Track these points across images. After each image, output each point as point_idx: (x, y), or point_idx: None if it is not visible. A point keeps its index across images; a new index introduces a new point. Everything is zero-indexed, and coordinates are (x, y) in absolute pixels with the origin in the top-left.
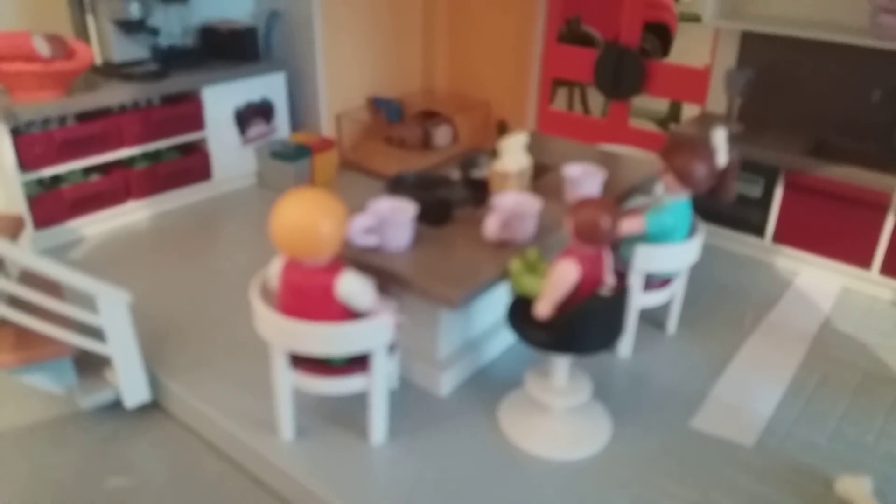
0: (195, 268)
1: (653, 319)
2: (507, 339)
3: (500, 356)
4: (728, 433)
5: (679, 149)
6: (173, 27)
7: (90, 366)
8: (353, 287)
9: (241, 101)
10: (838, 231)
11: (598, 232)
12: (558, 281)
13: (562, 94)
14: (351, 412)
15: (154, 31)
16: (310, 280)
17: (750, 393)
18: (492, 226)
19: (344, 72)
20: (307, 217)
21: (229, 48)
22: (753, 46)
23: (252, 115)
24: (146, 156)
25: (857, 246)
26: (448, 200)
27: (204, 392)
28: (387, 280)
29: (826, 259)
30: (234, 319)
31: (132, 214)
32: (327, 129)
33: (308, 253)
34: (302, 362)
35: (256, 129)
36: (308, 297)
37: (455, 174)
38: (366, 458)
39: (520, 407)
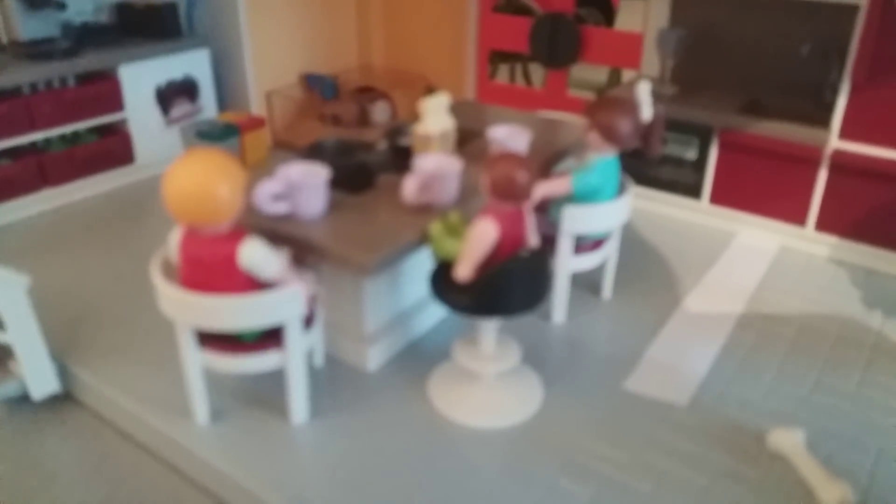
0: (115, 255)
1: (588, 284)
2: (439, 311)
3: (432, 329)
4: (662, 394)
5: (602, 105)
6: (85, 4)
7: None
8: (256, 255)
9: (163, 80)
10: (774, 189)
11: (514, 187)
12: (476, 241)
13: (504, 70)
14: (271, 392)
15: (61, 6)
16: (210, 250)
17: (685, 353)
18: (410, 188)
19: (273, 48)
20: (202, 181)
21: (148, 25)
22: (685, 6)
23: (175, 94)
24: (63, 139)
25: (792, 203)
26: (367, 165)
27: (116, 379)
28: (301, 249)
29: (763, 218)
30: (151, 305)
31: (48, 202)
32: (257, 107)
33: (205, 220)
34: (211, 340)
35: (180, 108)
36: (210, 268)
37: (382, 144)
38: (286, 438)
39: (450, 378)
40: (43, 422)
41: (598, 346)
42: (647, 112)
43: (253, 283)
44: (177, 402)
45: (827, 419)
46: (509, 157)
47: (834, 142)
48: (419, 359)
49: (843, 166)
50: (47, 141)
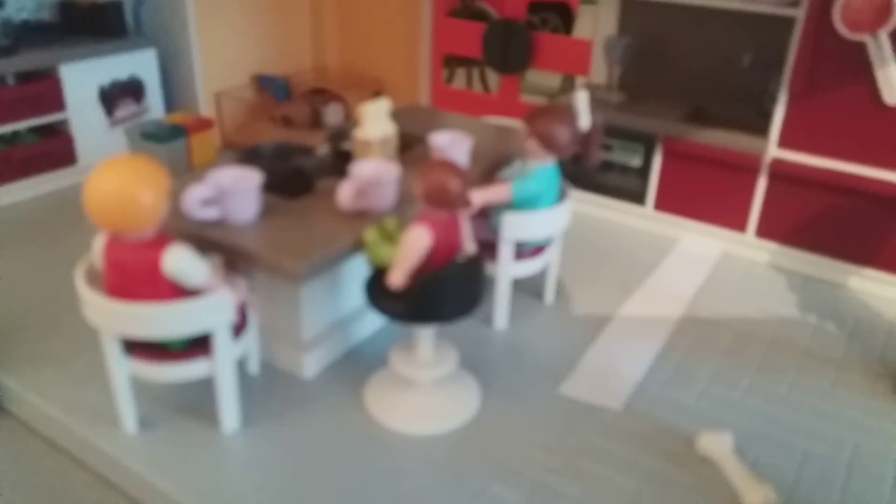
0: (50, 259)
1: (530, 290)
2: (378, 319)
3: (371, 337)
4: (596, 399)
5: (541, 113)
6: (25, 1)
7: None
8: (181, 262)
9: (106, 80)
10: (715, 196)
11: (447, 195)
12: (409, 247)
13: (461, 74)
14: (202, 400)
15: None
16: (133, 256)
17: (621, 358)
18: (345, 194)
19: (223, 47)
20: (124, 186)
21: (92, 23)
22: (632, 14)
23: (119, 94)
24: (1, 139)
25: (733, 210)
26: (304, 170)
27: (44, 388)
28: (232, 255)
29: (705, 224)
30: (78, 311)
31: None
32: (206, 108)
33: (128, 226)
34: (137, 348)
35: (125, 109)
36: (133, 275)
37: (324, 148)
38: (216, 447)
39: (386, 385)
40: None
41: (538, 351)
42: (585, 120)
43: (178, 291)
44: (106, 411)
45: (757, 423)
46: (442, 165)
47: (773, 150)
48: (357, 366)
49: (781, 174)
50: None
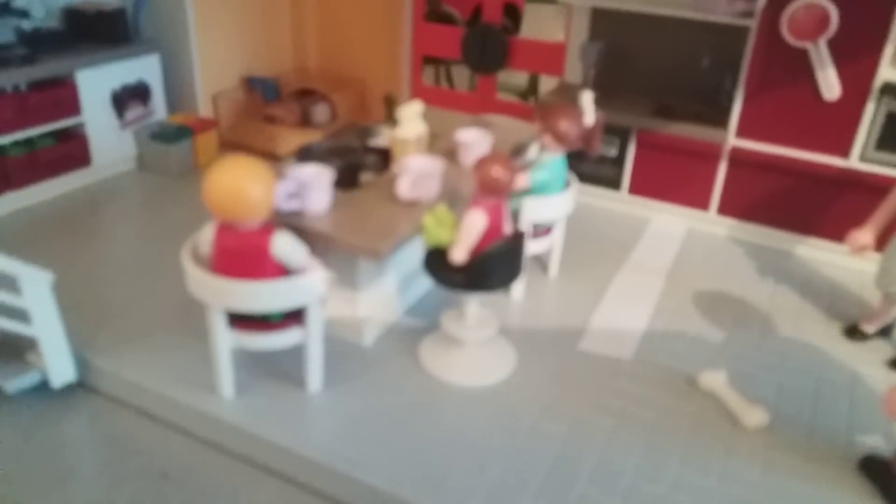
0: (88, 252)
1: (537, 265)
2: (417, 290)
3: (412, 307)
4: (610, 351)
5: (555, 112)
6: (36, 9)
7: (9, 350)
8: (287, 246)
9: (118, 84)
10: (682, 180)
11: (500, 184)
12: (471, 228)
13: (429, 71)
14: (282, 365)
15: (23, 14)
16: (245, 242)
17: (623, 318)
18: (403, 185)
19: (217, 51)
20: (239, 183)
21: (98, 30)
22: (603, 21)
23: (129, 97)
24: (20, 143)
25: (697, 192)
26: (357, 166)
27: (134, 363)
28: (311, 240)
29: (673, 205)
30: (143, 294)
31: (10, 205)
32: (204, 109)
33: (242, 217)
34: (239, 321)
35: (134, 111)
36: (244, 258)
37: (354, 142)
38: (306, 404)
39: (437, 345)
40: (60, 409)
41: (553, 316)
42: (590, 118)
43: (281, 270)
44: (197, 379)
45: (740, 363)
46: (494, 158)
47: (731, 140)
48: (406, 331)
49: (739, 160)
50: (5, 146)
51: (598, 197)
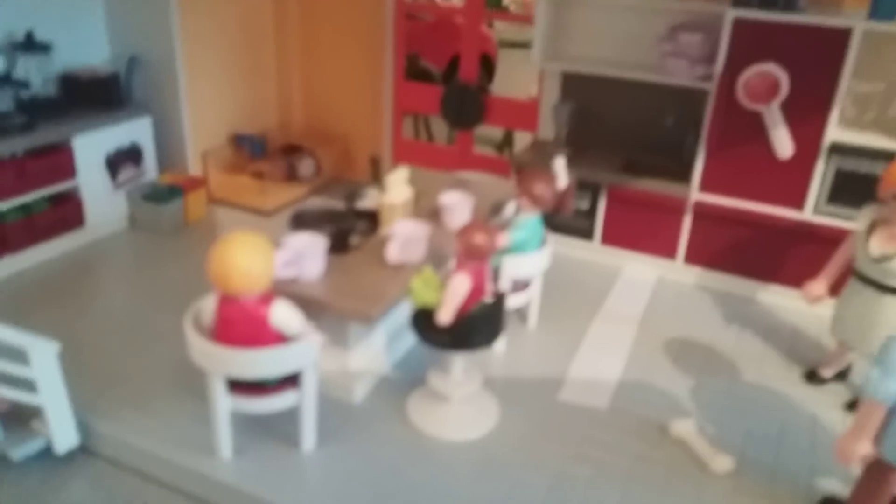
0: (84, 315)
1: (517, 317)
2: (404, 345)
3: (398, 364)
4: (587, 401)
5: (531, 177)
6: (34, 77)
7: (14, 417)
8: (285, 315)
9: (111, 147)
10: (650, 231)
11: (482, 250)
12: (455, 292)
13: (408, 122)
14: (278, 424)
15: (22, 84)
16: (245, 312)
17: (599, 367)
18: (393, 250)
19: (206, 111)
20: (242, 260)
21: (92, 95)
22: (573, 82)
23: (122, 160)
24: (17, 208)
25: (665, 242)
26: (346, 231)
27: (134, 427)
28: (306, 305)
29: (643, 255)
30: (141, 356)
31: (7, 269)
32: (193, 167)
33: (244, 289)
34: (238, 386)
35: (126, 173)
36: (244, 327)
37: (339, 205)
38: (301, 463)
39: (424, 401)
40: (63, 474)
41: (533, 367)
42: (563, 181)
43: (279, 337)
44: (195, 441)
45: (707, 411)
46: (475, 226)
47: (695, 194)
48: (393, 388)
49: (702, 213)
50: (2, 212)
51: (574, 247)
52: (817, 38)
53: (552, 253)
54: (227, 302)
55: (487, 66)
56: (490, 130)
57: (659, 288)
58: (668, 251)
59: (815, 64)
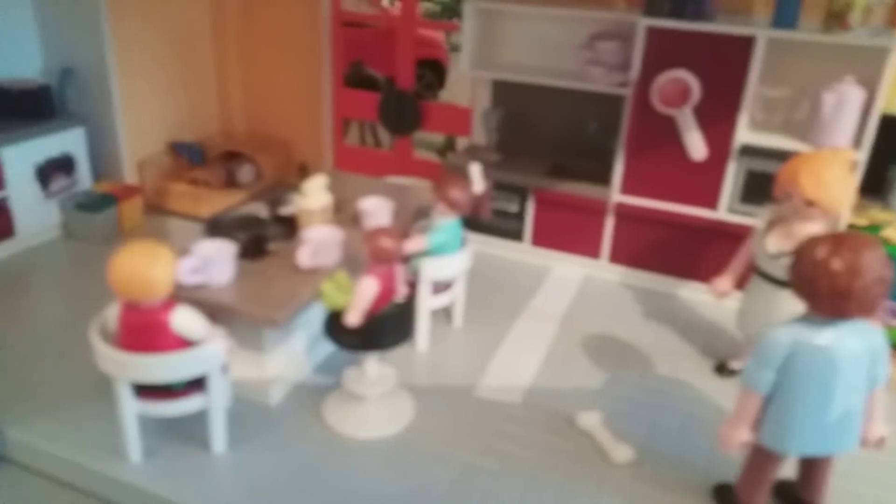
0: (11, 324)
1: (444, 316)
2: (326, 349)
3: (319, 366)
4: (501, 396)
5: (446, 182)
6: None
7: None
8: (186, 320)
9: (42, 158)
10: (577, 232)
11: (387, 254)
12: (362, 295)
13: (354, 128)
14: (189, 427)
15: None
16: (147, 318)
17: (517, 364)
18: (304, 255)
19: (142, 120)
20: (140, 267)
21: (23, 107)
22: (503, 89)
23: (53, 170)
24: None
25: (590, 242)
26: (262, 237)
27: (47, 433)
28: (215, 311)
29: (571, 255)
30: (61, 364)
31: None
32: (130, 176)
33: (144, 296)
34: (145, 391)
35: (59, 182)
36: (147, 333)
37: (263, 211)
38: (211, 465)
39: (340, 402)
40: None
41: (454, 365)
42: (478, 186)
43: (182, 342)
44: (106, 445)
45: (618, 404)
46: (382, 231)
47: (616, 196)
48: (311, 390)
49: (624, 214)
50: None
51: (504, 248)
52: (724, 46)
53: (473, 254)
54: (129, 309)
55: (439, 71)
56: (433, 136)
57: (585, 286)
58: (594, 251)
59: (724, 70)
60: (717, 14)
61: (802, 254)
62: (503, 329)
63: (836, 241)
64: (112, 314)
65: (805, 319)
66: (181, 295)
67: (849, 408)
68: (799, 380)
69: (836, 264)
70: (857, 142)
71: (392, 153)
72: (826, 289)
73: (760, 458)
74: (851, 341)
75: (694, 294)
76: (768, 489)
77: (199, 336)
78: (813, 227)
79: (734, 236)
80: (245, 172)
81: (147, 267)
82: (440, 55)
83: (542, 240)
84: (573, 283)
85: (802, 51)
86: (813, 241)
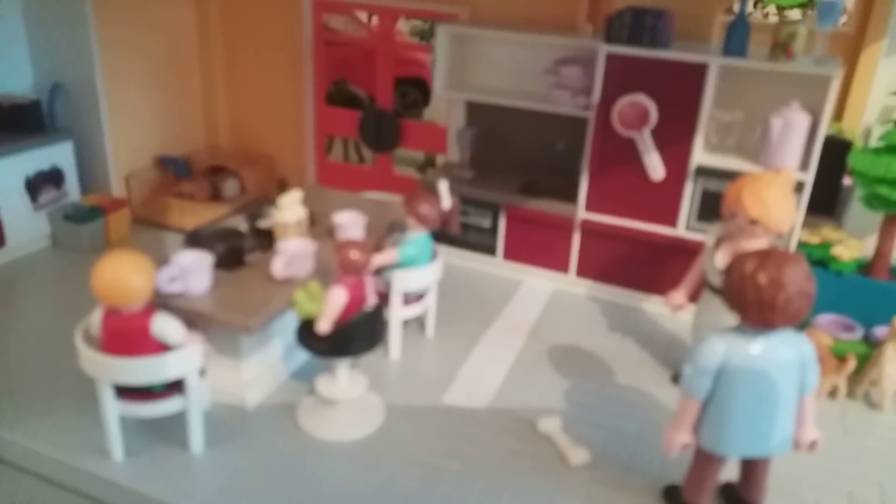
0: (1, 329)
1: (417, 326)
2: (298, 359)
3: (295, 372)
4: (469, 402)
5: (414, 198)
6: None
7: None
8: (164, 326)
9: (31, 171)
10: (546, 247)
11: (357, 265)
12: (331, 304)
13: (339, 144)
14: (169, 429)
15: None
16: (128, 324)
17: (485, 372)
18: (278, 266)
19: (130, 135)
20: (120, 275)
21: (14, 122)
22: (476, 110)
23: (43, 182)
24: None
25: (559, 257)
26: (239, 249)
27: (35, 433)
28: (194, 318)
29: (541, 269)
30: (48, 367)
31: None
32: (117, 189)
33: (124, 303)
34: (126, 392)
35: (48, 195)
36: (128, 337)
37: (242, 224)
38: (189, 464)
39: (313, 406)
40: None
41: (424, 372)
42: (446, 202)
43: (161, 347)
44: (91, 445)
45: (578, 409)
46: (350, 244)
47: (582, 213)
48: (287, 395)
49: (589, 230)
50: None
51: (478, 262)
52: (679, 72)
53: (446, 266)
54: (111, 314)
55: (423, 89)
56: (413, 153)
57: (553, 299)
58: (562, 265)
59: (680, 94)
60: (672, 42)
61: (733, 269)
62: (474, 339)
63: (763, 256)
64: (95, 319)
65: (738, 329)
66: (160, 302)
67: (780, 412)
68: (733, 385)
69: (762, 278)
70: (804, 163)
71: (373, 169)
72: (753, 301)
73: (702, 459)
74: (782, 350)
75: (656, 307)
76: (712, 489)
77: (176, 341)
78: (757, 244)
79: (692, 252)
80: (229, 186)
81: (127, 275)
82: (424, 74)
83: (513, 254)
84: (543, 296)
85: (753, 77)
86: (742, 258)
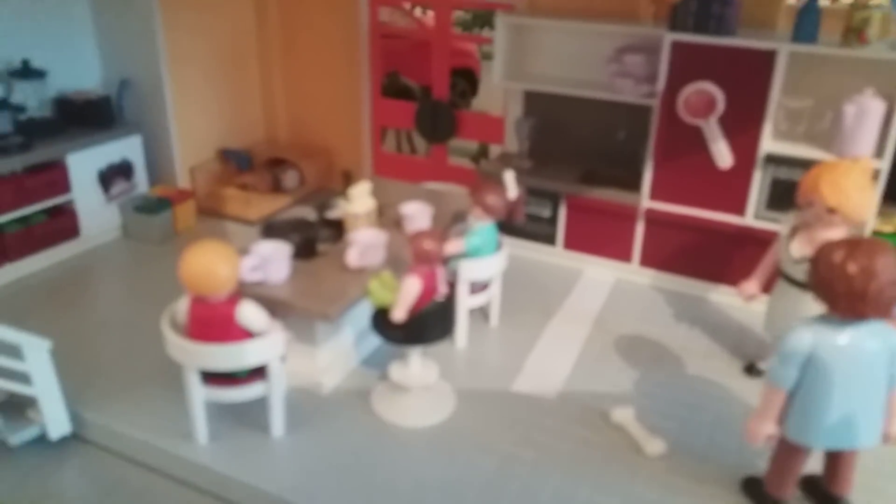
0: (78, 315)
1: (480, 315)
2: (369, 346)
3: (367, 358)
4: (538, 391)
5: (481, 189)
6: (30, 101)
7: (12, 407)
8: (250, 313)
9: (104, 164)
10: (608, 237)
11: (429, 255)
12: (406, 293)
13: (391, 135)
14: (249, 413)
15: (20, 109)
16: (214, 312)
17: (552, 361)
18: (352, 256)
19: (194, 128)
20: (209, 265)
21: (86, 116)
22: (534, 99)
23: (114, 175)
24: (17, 220)
25: (622, 247)
26: (313, 239)
27: (121, 416)
28: (272, 306)
29: (602, 258)
30: (128, 352)
31: (7, 276)
32: (183, 181)
33: (211, 291)
34: (211, 378)
35: (118, 187)
36: (214, 325)
37: (312, 214)
38: (272, 448)
39: (386, 391)
40: (56, 459)
41: (491, 361)
42: (512, 192)
43: (246, 334)
44: (176, 428)
45: (650, 401)
46: (424, 234)
47: (646, 202)
48: (360, 380)
49: (653, 219)
50: (3, 223)
51: (538, 252)
52: (747, 59)
53: (508, 256)
54: (198, 303)
55: (471, 80)
56: (466, 143)
57: (616, 289)
58: (625, 255)
59: (747, 82)
60: (739, 29)
61: (820, 258)
62: (538, 328)
63: (852, 245)
64: (181, 307)
65: (825, 319)
66: (243, 291)
67: (868, 404)
68: (820, 376)
69: (852, 268)
70: (879, 151)
71: (428, 160)
72: (843, 291)
73: (786, 451)
74: (870, 341)
75: (723, 297)
76: (795, 481)
77: (261, 328)
78: (835, 234)
79: (761, 241)
80: (290, 178)
81: (215, 265)
82: (473, 64)
83: (574, 243)
84: (605, 286)
85: (823, 64)
86: (829, 247)
